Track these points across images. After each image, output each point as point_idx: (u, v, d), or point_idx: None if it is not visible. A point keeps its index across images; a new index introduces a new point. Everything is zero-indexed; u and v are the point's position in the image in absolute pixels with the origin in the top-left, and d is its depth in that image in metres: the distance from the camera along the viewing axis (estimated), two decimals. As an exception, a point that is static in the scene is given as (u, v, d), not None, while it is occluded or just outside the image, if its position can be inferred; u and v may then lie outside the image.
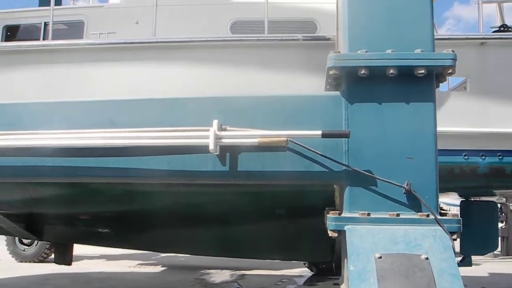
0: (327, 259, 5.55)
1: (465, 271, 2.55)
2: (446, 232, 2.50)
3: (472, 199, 5.15)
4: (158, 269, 9.07)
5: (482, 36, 4.44)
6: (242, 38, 4.60)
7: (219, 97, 2.97)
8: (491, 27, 4.94)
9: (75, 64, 4.62)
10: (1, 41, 5.82)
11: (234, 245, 5.29)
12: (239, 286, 7.42)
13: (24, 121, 3.02)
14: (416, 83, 2.70)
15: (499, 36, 4.55)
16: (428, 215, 2.57)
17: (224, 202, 4.41)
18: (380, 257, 2.41)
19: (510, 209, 11.49)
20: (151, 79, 4.44)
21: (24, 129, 2.97)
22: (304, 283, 7.88)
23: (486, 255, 10.88)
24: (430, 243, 2.44)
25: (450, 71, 2.68)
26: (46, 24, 5.75)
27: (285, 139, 2.64)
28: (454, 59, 2.65)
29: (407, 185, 2.60)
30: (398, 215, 2.59)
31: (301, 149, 2.70)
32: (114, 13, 5.65)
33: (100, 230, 5.50)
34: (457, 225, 2.58)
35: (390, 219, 2.59)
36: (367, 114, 2.72)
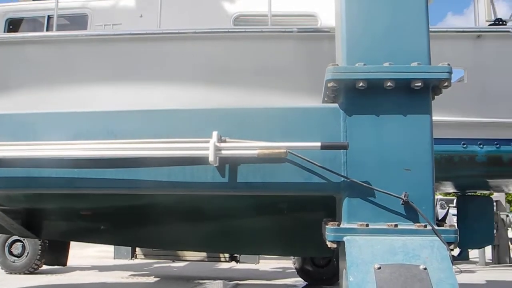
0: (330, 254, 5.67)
1: (461, 279, 2.58)
2: (443, 242, 2.54)
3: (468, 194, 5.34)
4: (152, 279, 8.99)
5: (478, 30, 4.59)
6: (246, 30, 4.74)
7: (218, 108, 2.99)
8: (487, 21, 5.11)
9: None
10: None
11: (236, 240, 5.25)
12: (233, 296, 7.40)
13: (27, 131, 3.04)
14: (412, 95, 2.75)
15: (495, 30, 4.68)
16: (425, 226, 2.61)
17: (225, 198, 4.39)
18: (379, 268, 2.44)
19: (501, 217, 11.57)
20: (155, 72, 4.50)
21: (28, 140, 2.99)
22: (298, 293, 7.88)
23: (477, 264, 11.03)
24: (428, 253, 2.47)
25: (446, 84, 2.73)
26: (49, 18, 5.77)
27: (285, 150, 2.67)
28: (450, 72, 2.71)
29: (404, 196, 2.64)
30: (396, 225, 2.63)
31: (300, 161, 2.73)
32: (118, 7, 5.70)
33: (100, 226, 5.43)
34: (454, 235, 2.63)
35: (389, 230, 2.62)
36: (365, 126, 2.76)
